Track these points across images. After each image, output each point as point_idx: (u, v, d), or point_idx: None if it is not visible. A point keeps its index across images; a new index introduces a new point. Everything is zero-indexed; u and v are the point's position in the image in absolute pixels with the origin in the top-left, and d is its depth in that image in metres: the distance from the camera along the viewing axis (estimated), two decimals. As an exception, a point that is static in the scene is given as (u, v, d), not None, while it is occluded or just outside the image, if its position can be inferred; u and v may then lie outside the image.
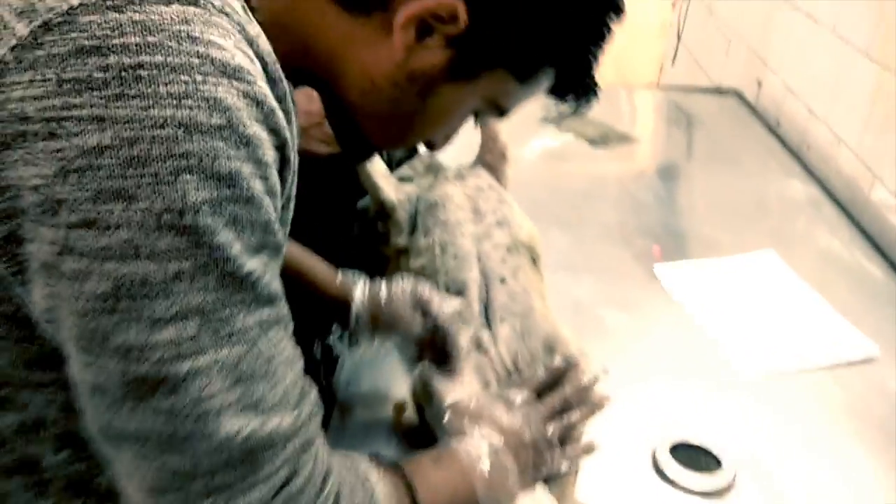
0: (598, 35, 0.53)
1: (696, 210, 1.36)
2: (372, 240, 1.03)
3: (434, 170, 1.08)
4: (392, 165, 1.08)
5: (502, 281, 0.88)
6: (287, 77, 0.46)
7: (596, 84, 0.58)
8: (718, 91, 1.94)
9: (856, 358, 0.98)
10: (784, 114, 1.69)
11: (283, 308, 0.45)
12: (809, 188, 1.45)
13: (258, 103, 0.40)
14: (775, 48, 1.78)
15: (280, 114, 0.42)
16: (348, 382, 0.88)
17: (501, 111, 0.58)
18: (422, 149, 1.19)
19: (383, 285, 0.80)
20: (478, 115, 0.60)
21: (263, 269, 0.42)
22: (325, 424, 0.83)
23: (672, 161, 1.63)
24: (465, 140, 1.06)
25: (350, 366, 0.89)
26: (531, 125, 1.68)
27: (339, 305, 0.80)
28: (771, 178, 1.50)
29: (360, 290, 0.80)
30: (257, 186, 0.40)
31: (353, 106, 0.54)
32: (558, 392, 0.73)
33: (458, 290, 0.86)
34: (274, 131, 0.42)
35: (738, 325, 1.03)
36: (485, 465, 0.64)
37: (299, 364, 0.47)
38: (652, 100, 2.00)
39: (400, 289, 0.80)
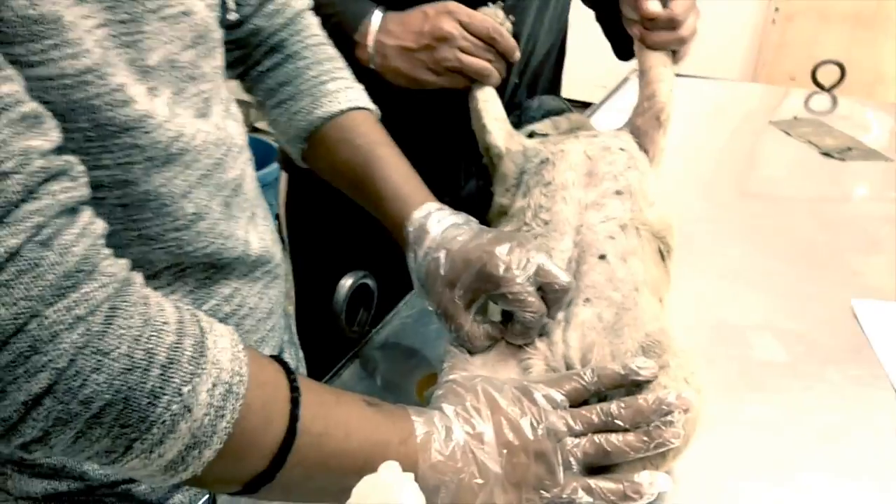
0: None
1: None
2: (485, 201, 0.88)
3: (577, 131, 0.89)
4: (526, 118, 0.92)
5: (601, 258, 0.68)
6: None
7: None
8: None
9: None
10: None
11: None
12: None
13: None
14: None
15: None
16: (385, 341, 0.74)
17: None
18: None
19: (442, 251, 0.59)
20: None
21: None
22: (328, 369, 0.71)
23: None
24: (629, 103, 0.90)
25: (396, 323, 0.75)
26: (757, 127, 1.40)
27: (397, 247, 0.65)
28: None
29: (417, 260, 0.61)
30: None
31: None
32: (604, 404, 0.52)
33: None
34: None
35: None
36: (438, 442, 0.46)
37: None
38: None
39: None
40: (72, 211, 0.36)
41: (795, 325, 0.80)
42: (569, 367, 0.59)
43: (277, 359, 0.45)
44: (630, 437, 0.50)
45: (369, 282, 0.70)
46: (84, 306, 0.34)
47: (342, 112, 0.67)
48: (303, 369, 0.78)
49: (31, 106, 0.35)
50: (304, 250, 1.08)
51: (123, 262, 0.38)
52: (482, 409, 0.49)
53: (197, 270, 0.55)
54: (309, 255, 1.07)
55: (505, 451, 0.48)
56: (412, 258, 0.62)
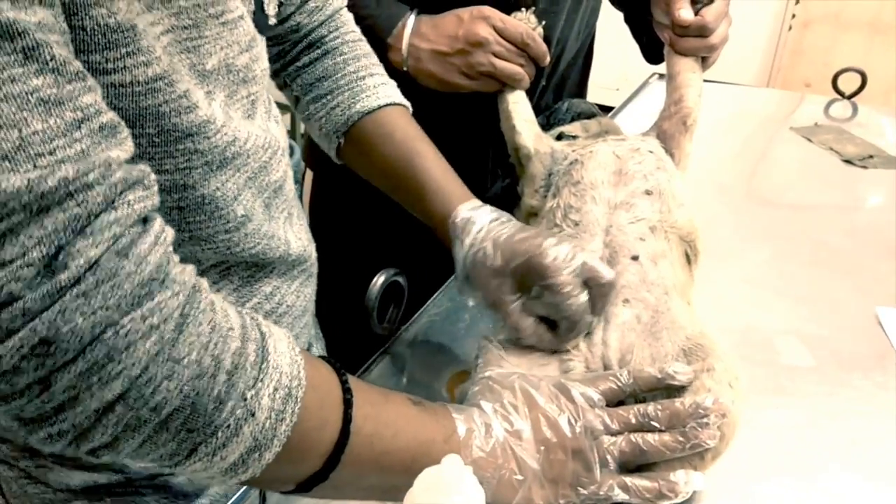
0: None
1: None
2: (511, 202, 0.88)
3: (605, 134, 0.90)
4: (555, 120, 0.93)
5: (634, 258, 0.68)
6: None
7: None
8: None
9: None
10: None
11: (10, 24, 0.31)
12: None
13: None
14: None
15: None
16: (414, 338, 0.75)
17: None
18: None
19: (482, 252, 0.61)
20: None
21: None
22: (356, 365, 0.71)
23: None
24: (654, 108, 0.90)
25: (424, 321, 0.76)
26: (776, 133, 1.40)
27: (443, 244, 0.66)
28: None
29: (462, 251, 0.63)
30: None
31: None
32: (641, 405, 0.53)
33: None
34: None
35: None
36: (478, 439, 0.47)
37: (77, 117, 0.33)
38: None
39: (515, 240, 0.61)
40: (145, 220, 0.37)
41: (820, 331, 0.81)
42: (607, 367, 0.60)
43: (327, 359, 0.46)
44: (666, 437, 0.51)
45: (400, 279, 0.71)
46: (158, 315, 0.34)
47: (380, 107, 0.68)
48: None
49: (109, 115, 0.36)
50: (330, 247, 1.08)
51: (191, 269, 0.39)
52: (520, 406, 0.50)
53: (241, 269, 0.56)
54: (335, 252, 1.08)
55: (543, 447, 0.49)
56: (458, 247, 0.63)
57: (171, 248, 0.37)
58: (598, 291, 0.59)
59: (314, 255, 0.69)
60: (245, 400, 0.37)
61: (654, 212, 0.73)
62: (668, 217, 0.73)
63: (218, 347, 0.37)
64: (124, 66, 0.39)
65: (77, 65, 0.34)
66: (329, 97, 0.69)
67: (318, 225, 1.10)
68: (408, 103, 0.72)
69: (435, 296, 0.82)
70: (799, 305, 0.86)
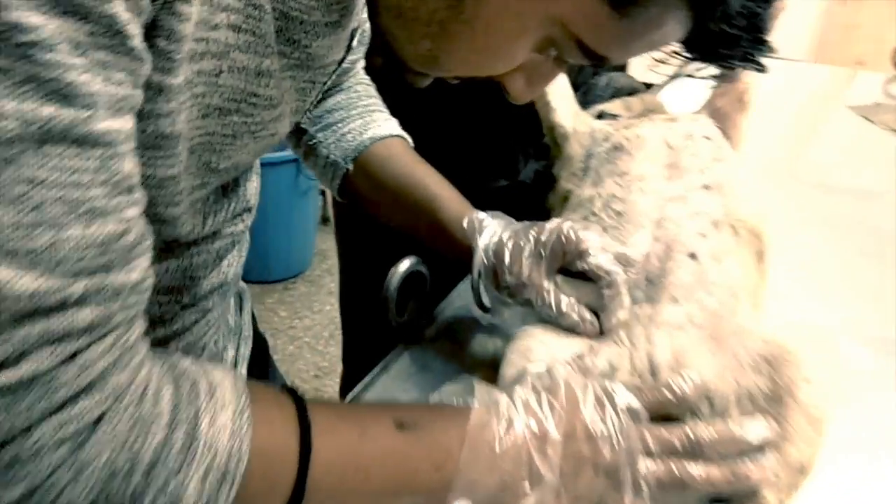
0: None
1: None
2: (545, 187, 0.81)
3: (650, 113, 0.83)
4: (593, 97, 0.86)
5: (691, 256, 0.61)
6: None
7: (762, 44, 0.43)
8: None
9: None
10: None
11: (103, 134, 0.30)
12: None
13: None
14: None
15: None
16: (436, 333, 0.69)
17: (592, 54, 0.42)
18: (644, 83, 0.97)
19: (509, 238, 0.60)
20: (561, 58, 0.44)
21: (68, 47, 0.27)
22: (374, 362, 0.66)
23: None
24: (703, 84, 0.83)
25: (448, 314, 0.70)
26: (830, 111, 1.31)
27: (461, 254, 0.64)
28: None
29: (484, 240, 0.62)
30: None
31: None
32: (688, 426, 0.46)
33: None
34: None
35: None
36: (491, 435, 0.43)
37: (117, 230, 0.31)
38: None
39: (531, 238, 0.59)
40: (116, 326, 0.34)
41: (883, 332, 0.74)
42: (654, 368, 0.52)
43: (293, 394, 0.41)
44: (714, 470, 0.45)
45: (422, 269, 0.65)
46: (73, 425, 0.31)
47: (388, 136, 0.71)
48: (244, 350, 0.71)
49: (139, 229, 0.34)
50: (354, 235, 1.04)
51: (136, 361, 0.34)
52: (558, 409, 0.44)
53: None
54: (358, 240, 1.03)
55: (573, 460, 0.43)
56: (477, 240, 0.62)
57: (127, 348, 0.34)
58: (626, 267, 0.58)
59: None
60: (165, 493, 0.34)
61: (713, 204, 0.65)
62: (733, 212, 0.65)
63: (137, 443, 0.33)
64: (155, 165, 0.38)
65: (136, 178, 0.33)
66: (340, 125, 0.70)
67: (341, 212, 1.05)
68: (409, 137, 0.74)
69: (459, 286, 0.76)
70: (858, 301, 0.78)
